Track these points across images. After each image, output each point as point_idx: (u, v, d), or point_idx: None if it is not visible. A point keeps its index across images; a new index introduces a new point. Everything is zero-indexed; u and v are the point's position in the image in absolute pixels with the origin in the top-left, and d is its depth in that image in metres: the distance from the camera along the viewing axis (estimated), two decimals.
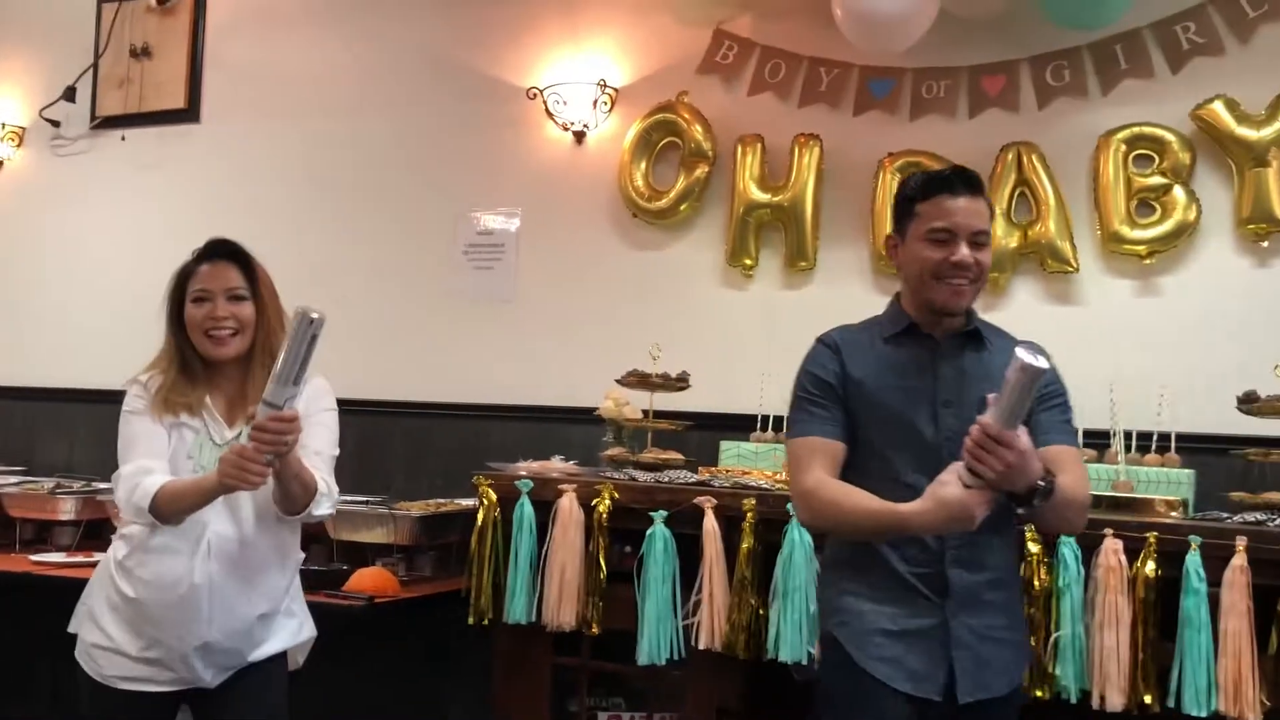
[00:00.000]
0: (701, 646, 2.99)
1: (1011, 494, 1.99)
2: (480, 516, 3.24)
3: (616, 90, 4.01)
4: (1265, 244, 3.27)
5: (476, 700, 3.60)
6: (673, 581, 3.04)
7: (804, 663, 2.89)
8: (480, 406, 4.09)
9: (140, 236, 4.61)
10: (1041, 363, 1.86)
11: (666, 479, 3.20)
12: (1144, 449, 3.07)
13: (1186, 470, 2.97)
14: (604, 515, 3.11)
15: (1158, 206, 3.36)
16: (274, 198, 4.47)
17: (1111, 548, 2.66)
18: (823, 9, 3.45)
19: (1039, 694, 2.68)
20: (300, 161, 4.48)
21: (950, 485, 1.96)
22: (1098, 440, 3.07)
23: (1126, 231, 3.36)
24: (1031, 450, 1.95)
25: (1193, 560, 2.61)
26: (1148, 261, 3.37)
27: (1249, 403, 2.89)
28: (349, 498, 3.83)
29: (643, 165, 3.92)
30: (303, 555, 2.57)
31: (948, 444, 2.08)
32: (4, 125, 4.93)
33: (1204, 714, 2.57)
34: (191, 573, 2.33)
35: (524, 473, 3.28)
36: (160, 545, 2.34)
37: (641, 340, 3.51)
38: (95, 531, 3.89)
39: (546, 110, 4.03)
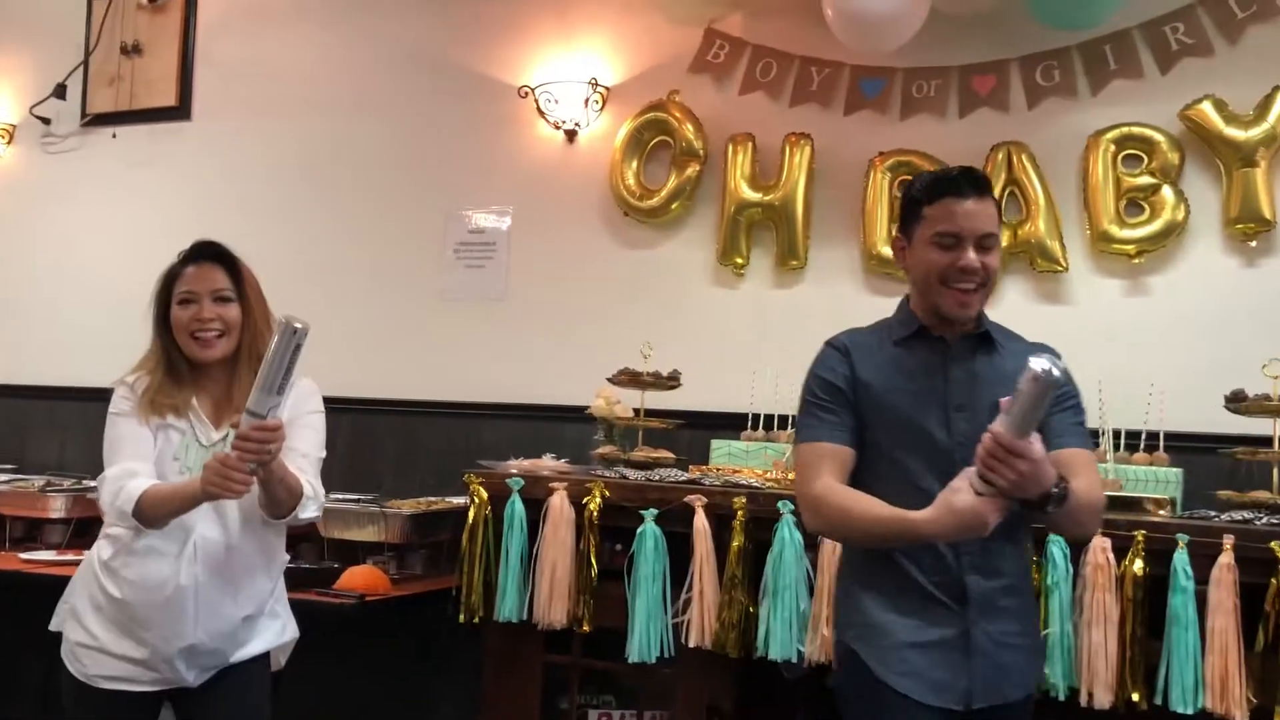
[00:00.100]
0: (692, 644, 3.00)
1: (1025, 500, 1.95)
2: (471, 515, 3.24)
3: (608, 89, 4.01)
4: (1253, 244, 3.29)
5: (467, 698, 3.61)
6: (663, 579, 3.05)
7: (794, 660, 2.90)
8: (471, 405, 4.09)
9: (131, 234, 4.61)
10: (1055, 373, 1.82)
11: (657, 477, 3.20)
12: (1132, 448, 3.08)
13: (1174, 469, 2.98)
14: (595, 513, 3.11)
15: (1146, 206, 3.38)
16: (265, 196, 4.47)
17: (1100, 546, 2.67)
18: (814, 8, 3.46)
19: None
20: (292, 159, 4.48)
21: (962, 493, 1.92)
22: None
23: (1115, 231, 3.38)
24: (1045, 458, 1.90)
25: (1180, 558, 2.62)
26: (1137, 261, 3.38)
27: (1237, 402, 2.90)
28: (340, 496, 3.84)
29: (634, 164, 3.92)
30: (287, 558, 2.58)
31: (960, 448, 2.05)
32: None
33: (1191, 711, 2.58)
34: (177, 575, 2.33)
35: (515, 471, 3.28)
36: (146, 547, 2.34)
37: (633, 339, 3.51)
38: (85, 530, 3.89)
39: (538, 109, 4.04)
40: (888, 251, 3.58)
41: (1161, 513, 2.84)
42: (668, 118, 3.87)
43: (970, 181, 2.12)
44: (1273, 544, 2.57)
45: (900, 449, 2.12)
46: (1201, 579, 2.60)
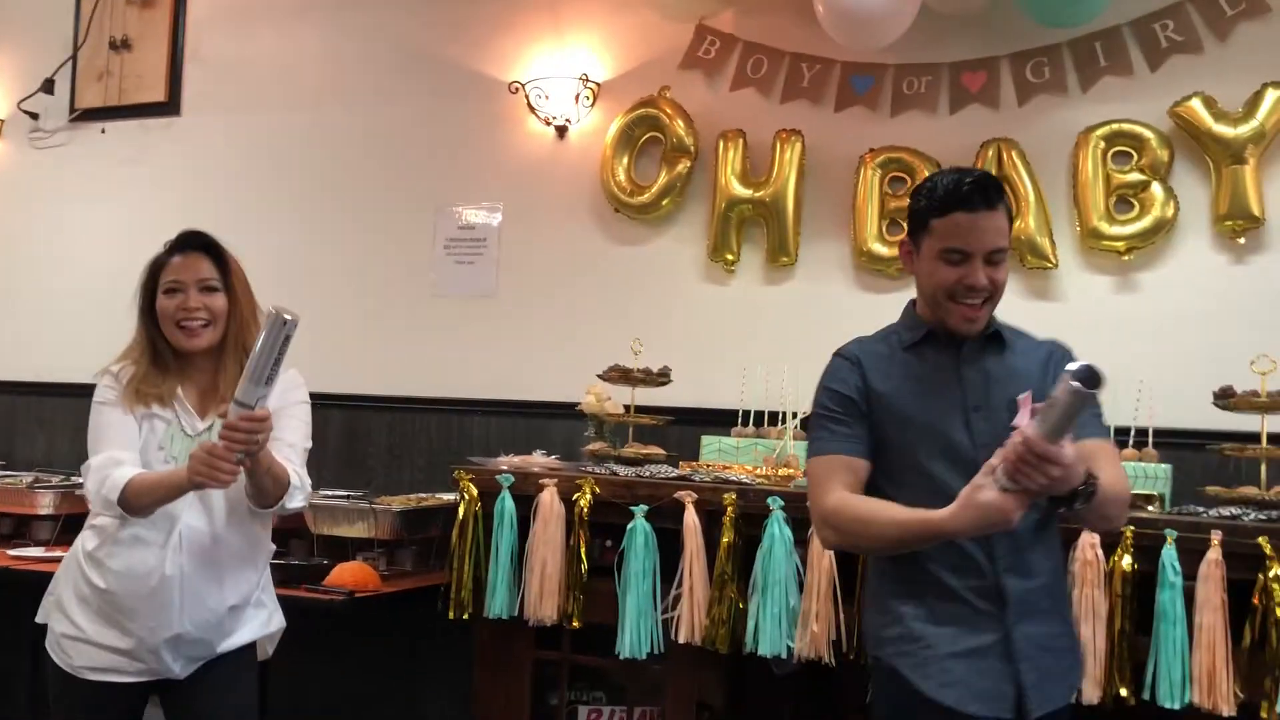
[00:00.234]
0: (681, 640, 3.00)
1: (1053, 496, 1.89)
2: (461, 511, 3.24)
3: (599, 85, 4.01)
4: (1242, 240, 3.29)
5: (457, 695, 3.61)
6: (653, 576, 3.05)
7: (783, 656, 2.90)
8: (461, 401, 4.08)
9: (120, 230, 4.59)
10: (1098, 388, 1.77)
11: (647, 474, 3.20)
12: (1122, 444, 3.08)
13: (1163, 465, 2.99)
14: (585, 510, 3.11)
15: (1136, 203, 3.38)
16: (255, 191, 4.45)
17: (1088, 542, 2.68)
18: (805, 5, 3.46)
19: None
20: (281, 155, 4.46)
21: (985, 489, 1.86)
22: None
23: (1105, 228, 3.38)
24: (1076, 461, 1.83)
25: (1168, 554, 2.63)
26: (1126, 258, 3.39)
27: (1225, 398, 2.91)
28: (330, 492, 3.83)
29: (625, 160, 3.92)
30: (273, 548, 2.58)
31: (984, 450, 1.94)
32: None
33: (1179, 706, 2.58)
34: (163, 565, 2.33)
35: (505, 467, 3.28)
36: (131, 537, 2.34)
37: (623, 335, 3.51)
38: (74, 526, 3.81)
39: (528, 104, 4.03)
40: (878, 248, 3.59)
41: (1150, 509, 2.84)
42: (658, 114, 3.86)
43: (981, 194, 2.03)
44: (1260, 539, 2.59)
45: (925, 455, 2.07)
46: (1190, 575, 2.61)
